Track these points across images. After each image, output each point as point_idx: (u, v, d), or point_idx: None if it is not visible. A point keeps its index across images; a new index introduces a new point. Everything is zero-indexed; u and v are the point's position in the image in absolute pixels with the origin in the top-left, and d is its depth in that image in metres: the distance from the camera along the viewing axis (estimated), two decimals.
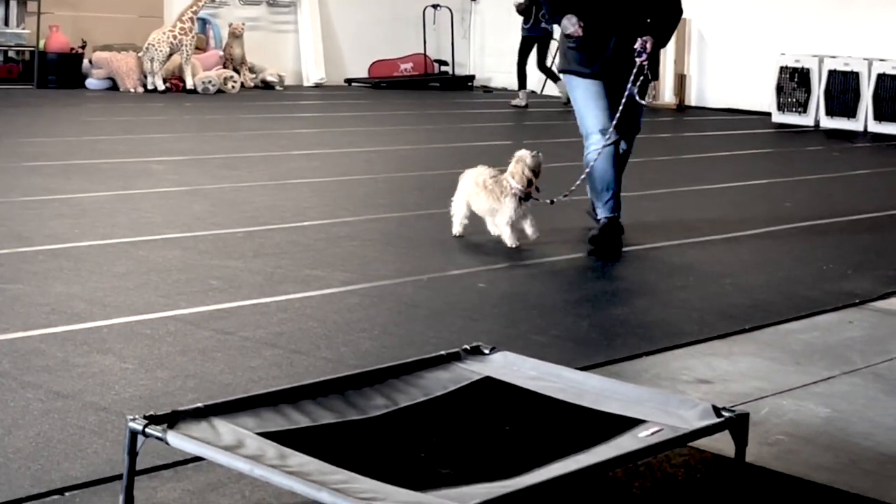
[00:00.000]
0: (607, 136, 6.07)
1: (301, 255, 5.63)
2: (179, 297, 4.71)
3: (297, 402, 3.02)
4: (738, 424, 3.01)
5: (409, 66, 17.39)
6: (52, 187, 7.14)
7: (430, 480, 2.64)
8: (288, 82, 16.04)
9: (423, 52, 17.59)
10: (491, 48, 18.36)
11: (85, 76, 14.16)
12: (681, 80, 16.12)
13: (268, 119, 12.14)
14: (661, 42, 6.20)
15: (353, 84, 17.06)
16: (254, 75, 15.67)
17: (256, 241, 5.91)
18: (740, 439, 3.02)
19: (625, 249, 6.12)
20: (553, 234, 6.50)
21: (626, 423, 3.03)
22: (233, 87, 14.73)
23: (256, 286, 4.98)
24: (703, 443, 3.17)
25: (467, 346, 3.50)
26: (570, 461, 2.80)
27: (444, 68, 17.98)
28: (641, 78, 6.05)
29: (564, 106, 14.24)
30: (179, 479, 2.92)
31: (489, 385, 3.29)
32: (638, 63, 6.00)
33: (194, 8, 14.38)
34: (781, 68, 14.20)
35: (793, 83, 14.11)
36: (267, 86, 15.69)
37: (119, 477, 2.82)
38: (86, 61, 14.25)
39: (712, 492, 3.07)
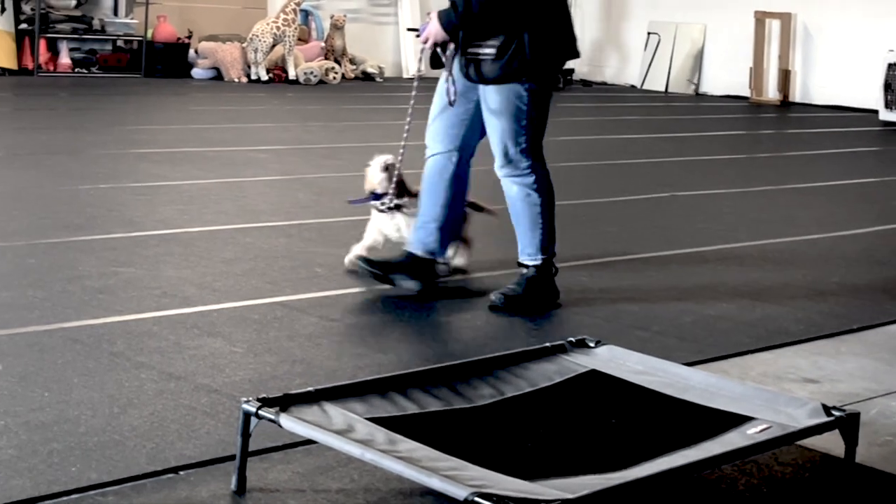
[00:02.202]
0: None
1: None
2: (285, 284, 4.79)
3: (405, 390, 3.06)
4: (848, 424, 2.98)
5: None
6: (161, 174, 7.30)
7: (537, 470, 2.66)
8: (388, 74, 16.14)
9: None
10: (590, 41, 18.25)
11: (191, 66, 14.41)
12: (785, 76, 15.87)
13: (368, 110, 12.24)
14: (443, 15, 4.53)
15: None
16: (354, 66, 15.80)
17: (360, 230, 5.93)
18: (850, 439, 2.98)
19: (729, 245, 6.06)
20: (655, 230, 6.47)
21: (734, 420, 3.01)
22: (334, 77, 14.88)
23: (360, 274, 5.02)
24: (811, 442, 3.15)
25: (572, 339, 3.51)
26: (677, 456, 2.80)
27: None
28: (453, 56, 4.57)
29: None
30: (289, 462, 2.98)
31: (595, 378, 3.30)
32: (423, 47, 4.66)
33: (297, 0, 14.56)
34: (890, 65, 13.88)
35: None
36: (367, 77, 15.82)
37: (230, 457, 2.89)
38: (192, 51, 14.50)
39: (820, 491, 3.04)
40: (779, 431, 2.91)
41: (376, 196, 5.01)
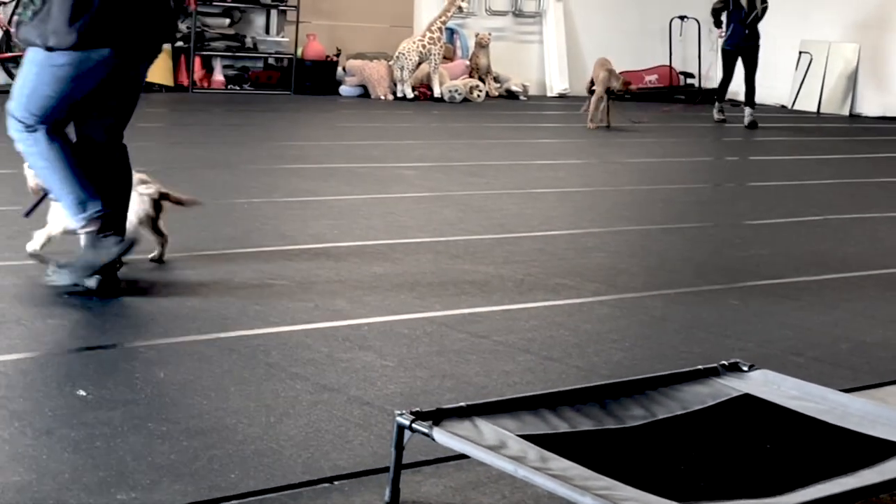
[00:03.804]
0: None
1: (550, 264, 5.68)
2: (434, 300, 4.84)
3: (556, 408, 3.06)
4: None
5: (654, 77, 17.24)
6: (311, 189, 7.46)
7: (689, 493, 2.64)
8: (532, 92, 16.18)
9: (668, 63, 17.42)
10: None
11: (339, 83, 14.69)
12: None
13: (512, 128, 12.29)
14: None
15: None
16: (498, 85, 15.88)
17: (506, 248, 6.00)
18: None
19: (886, 271, 5.89)
20: (808, 253, 6.34)
21: (894, 449, 2.94)
22: (478, 95, 14.98)
23: (507, 292, 5.06)
24: None
25: (725, 363, 3.46)
26: (834, 483, 2.74)
27: (689, 80, 17.74)
28: None
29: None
30: (441, 476, 3.01)
31: (749, 402, 3.25)
32: None
33: (443, 18, 14.71)
34: None
35: None
36: (511, 95, 15.88)
37: (383, 469, 2.94)
38: (340, 69, 14.78)
39: None
40: None
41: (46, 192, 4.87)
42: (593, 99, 12.37)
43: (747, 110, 13.76)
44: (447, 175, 8.53)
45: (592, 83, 12.53)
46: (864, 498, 2.86)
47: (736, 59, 13.88)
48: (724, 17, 13.77)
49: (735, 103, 17.27)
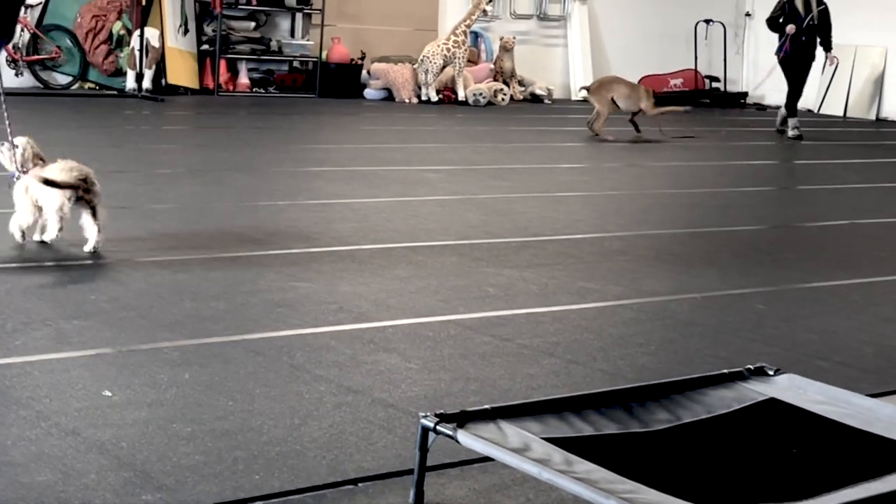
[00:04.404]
0: None
1: (574, 267, 5.67)
2: (458, 303, 4.84)
3: (581, 411, 3.06)
4: None
5: (679, 81, 17.20)
6: (335, 192, 7.47)
7: (715, 497, 2.62)
8: (556, 96, 16.16)
9: (693, 67, 17.37)
10: (765, 64, 17.91)
11: (363, 86, 14.71)
12: None
13: (536, 132, 12.28)
14: None
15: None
16: (523, 88, 15.88)
17: (530, 251, 6.00)
18: None
19: None
20: (835, 258, 6.29)
21: None
22: (502, 99, 14.98)
23: (532, 295, 5.05)
24: None
25: (750, 367, 3.45)
26: (861, 488, 2.72)
27: (715, 84, 17.69)
28: None
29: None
30: (465, 478, 3.01)
31: (774, 406, 3.23)
32: None
33: (467, 22, 14.71)
34: None
35: None
36: (535, 99, 15.87)
37: (408, 472, 2.94)
38: (364, 72, 14.81)
39: None
40: None
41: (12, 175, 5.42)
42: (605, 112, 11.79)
43: (791, 121, 13.03)
44: (471, 178, 8.53)
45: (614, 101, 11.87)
46: (891, 502, 2.84)
47: (796, 67, 12.92)
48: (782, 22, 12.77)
49: (761, 107, 17.20)
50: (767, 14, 13.13)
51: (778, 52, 12.93)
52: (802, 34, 12.66)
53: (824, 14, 12.77)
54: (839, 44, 16.46)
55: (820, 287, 5.60)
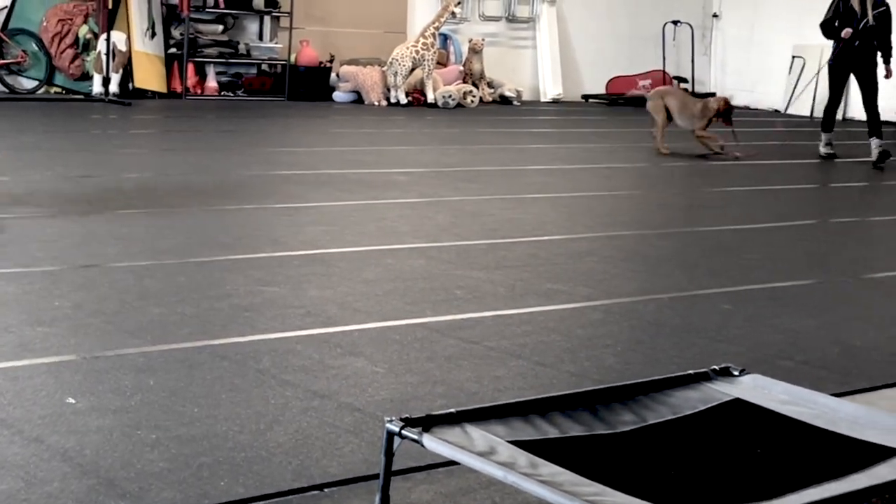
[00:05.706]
0: None
1: (542, 269, 5.68)
2: (425, 305, 4.83)
3: (546, 414, 3.05)
4: None
5: (647, 82, 17.25)
6: (304, 195, 7.45)
7: (680, 499, 2.63)
8: (525, 97, 16.19)
9: (661, 68, 17.44)
10: (732, 65, 18.03)
11: (332, 89, 14.68)
12: None
13: (506, 133, 12.29)
14: None
15: (590, 100, 17.06)
16: (492, 90, 15.89)
17: (498, 254, 6.00)
18: None
19: (880, 274, 5.90)
20: (803, 257, 6.33)
21: (885, 453, 2.93)
22: (472, 101, 14.98)
23: (500, 297, 5.06)
24: None
25: (716, 367, 3.46)
26: (824, 488, 2.73)
27: (683, 85, 17.75)
28: None
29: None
30: (432, 482, 3.01)
31: (739, 407, 3.24)
32: None
33: (436, 24, 14.71)
34: None
35: None
36: (505, 101, 15.88)
37: (374, 476, 2.93)
38: (333, 75, 14.78)
39: None
40: None
41: None
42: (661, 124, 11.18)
43: (874, 142, 11.04)
44: (440, 180, 8.53)
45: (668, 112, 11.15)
46: (854, 502, 2.86)
47: (845, 78, 11.38)
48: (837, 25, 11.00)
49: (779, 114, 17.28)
50: (822, 18, 11.28)
51: (830, 61, 11.30)
52: (856, 38, 10.91)
53: (884, 16, 11.03)
54: (806, 45, 16.61)
55: (785, 287, 5.63)
